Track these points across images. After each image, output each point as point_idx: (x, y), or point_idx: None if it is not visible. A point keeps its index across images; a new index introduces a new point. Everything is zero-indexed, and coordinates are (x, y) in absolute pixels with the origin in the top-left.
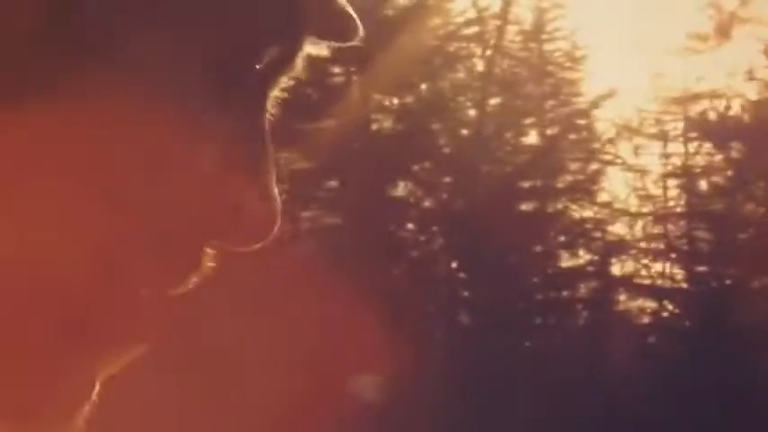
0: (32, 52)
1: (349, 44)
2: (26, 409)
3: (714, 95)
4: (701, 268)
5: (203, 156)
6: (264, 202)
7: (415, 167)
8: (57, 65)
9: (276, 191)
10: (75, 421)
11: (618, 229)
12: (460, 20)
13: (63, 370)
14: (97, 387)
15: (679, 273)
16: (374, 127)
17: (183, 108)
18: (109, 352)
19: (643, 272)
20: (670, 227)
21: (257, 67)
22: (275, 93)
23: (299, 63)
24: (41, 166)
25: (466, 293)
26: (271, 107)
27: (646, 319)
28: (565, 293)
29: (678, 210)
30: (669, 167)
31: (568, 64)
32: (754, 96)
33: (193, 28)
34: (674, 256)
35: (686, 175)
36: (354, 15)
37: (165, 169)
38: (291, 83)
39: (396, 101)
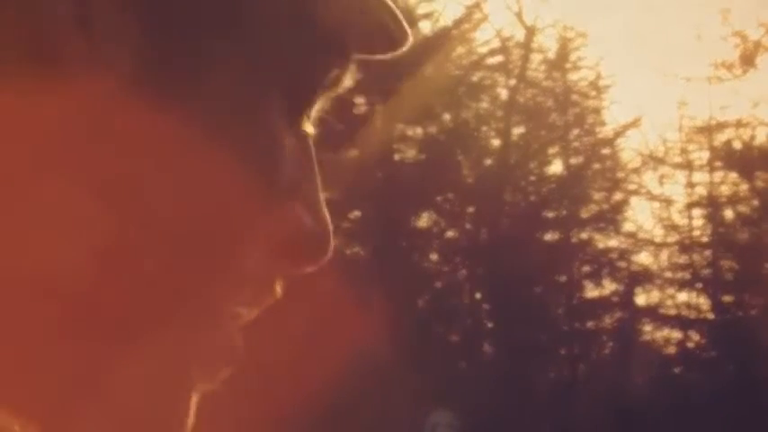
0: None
1: (397, 52)
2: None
3: (739, 124)
4: (727, 298)
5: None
6: (318, 221)
7: (439, 197)
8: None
9: (326, 212)
10: None
11: (643, 258)
12: (484, 49)
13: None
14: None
15: (704, 303)
16: (397, 157)
17: (257, 133)
18: None
19: (668, 302)
20: (695, 256)
21: (319, 91)
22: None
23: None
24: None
25: (490, 324)
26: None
27: (671, 350)
28: (589, 324)
29: (703, 239)
30: (694, 197)
31: (593, 93)
32: None
33: (275, 56)
34: (699, 285)
35: (711, 204)
36: (400, 21)
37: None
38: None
39: (419, 130)
